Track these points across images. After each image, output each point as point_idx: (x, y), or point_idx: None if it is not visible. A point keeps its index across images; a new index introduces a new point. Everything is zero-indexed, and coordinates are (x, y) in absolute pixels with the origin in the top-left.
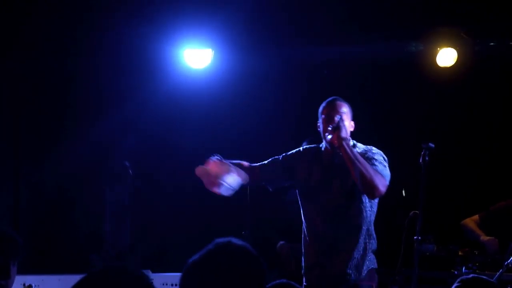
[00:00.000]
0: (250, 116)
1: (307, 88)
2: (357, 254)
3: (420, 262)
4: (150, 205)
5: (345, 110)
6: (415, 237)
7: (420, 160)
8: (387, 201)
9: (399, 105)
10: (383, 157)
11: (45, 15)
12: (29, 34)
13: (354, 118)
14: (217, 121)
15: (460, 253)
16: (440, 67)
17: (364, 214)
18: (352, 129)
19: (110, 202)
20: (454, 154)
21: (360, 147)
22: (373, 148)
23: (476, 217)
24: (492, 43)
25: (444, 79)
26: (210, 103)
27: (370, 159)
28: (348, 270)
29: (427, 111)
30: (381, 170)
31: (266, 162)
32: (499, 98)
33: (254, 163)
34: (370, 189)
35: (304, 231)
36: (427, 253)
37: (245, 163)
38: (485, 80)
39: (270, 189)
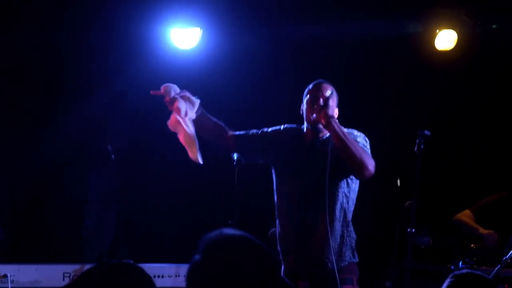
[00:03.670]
0: (239, 97)
1: (297, 67)
2: (333, 242)
3: (414, 255)
4: (134, 191)
5: (331, 93)
6: (409, 229)
7: (415, 148)
8: (381, 191)
9: (395, 89)
10: (365, 140)
11: None
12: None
13: (339, 105)
14: (206, 102)
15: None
16: (439, 50)
17: (341, 200)
18: (336, 116)
19: (94, 187)
20: (452, 142)
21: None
22: (355, 130)
23: (468, 212)
24: (494, 26)
25: (443, 63)
26: (198, 84)
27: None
28: (325, 258)
29: (424, 96)
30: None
31: (243, 132)
32: (500, 83)
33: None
34: (360, 168)
35: (277, 214)
36: (422, 246)
37: (226, 128)
38: (486, 64)
39: (243, 161)
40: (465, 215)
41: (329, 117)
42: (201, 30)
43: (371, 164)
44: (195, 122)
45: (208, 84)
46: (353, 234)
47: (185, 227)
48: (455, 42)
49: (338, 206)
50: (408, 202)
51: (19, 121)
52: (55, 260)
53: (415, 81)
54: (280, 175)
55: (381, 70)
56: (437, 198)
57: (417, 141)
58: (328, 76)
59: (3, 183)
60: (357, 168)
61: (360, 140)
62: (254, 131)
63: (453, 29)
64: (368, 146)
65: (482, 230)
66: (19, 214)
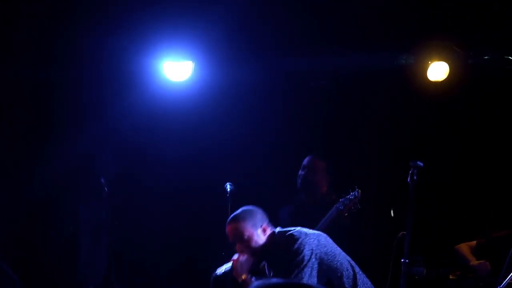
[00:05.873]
0: (231, 129)
1: (290, 100)
2: None
3: (408, 285)
4: (128, 223)
5: (236, 235)
6: (402, 260)
7: (408, 179)
8: (375, 221)
9: (388, 120)
10: (306, 259)
11: (26, 26)
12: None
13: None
14: (198, 136)
15: (451, 277)
16: (431, 81)
17: None
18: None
19: (86, 220)
20: (445, 172)
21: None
22: (302, 247)
23: (473, 242)
24: (486, 57)
25: (435, 94)
26: (190, 117)
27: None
28: None
29: (417, 127)
30: None
31: None
32: (492, 114)
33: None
34: None
35: None
36: (416, 277)
37: None
38: (478, 95)
39: None
40: (466, 245)
41: (239, 280)
42: (194, 63)
43: None
44: None
45: (200, 116)
46: None
47: (179, 260)
48: (447, 73)
49: None
50: (401, 232)
51: (10, 155)
52: None
53: (408, 112)
54: None
55: (374, 101)
56: (431, 228)
57: (410, 171)
58: (320, 108)
59: None
60: None
61: (298, 259)
62: None
63: (445, 61)
64: (304, 263)
65: (474, 262)
66: (11, 248)
